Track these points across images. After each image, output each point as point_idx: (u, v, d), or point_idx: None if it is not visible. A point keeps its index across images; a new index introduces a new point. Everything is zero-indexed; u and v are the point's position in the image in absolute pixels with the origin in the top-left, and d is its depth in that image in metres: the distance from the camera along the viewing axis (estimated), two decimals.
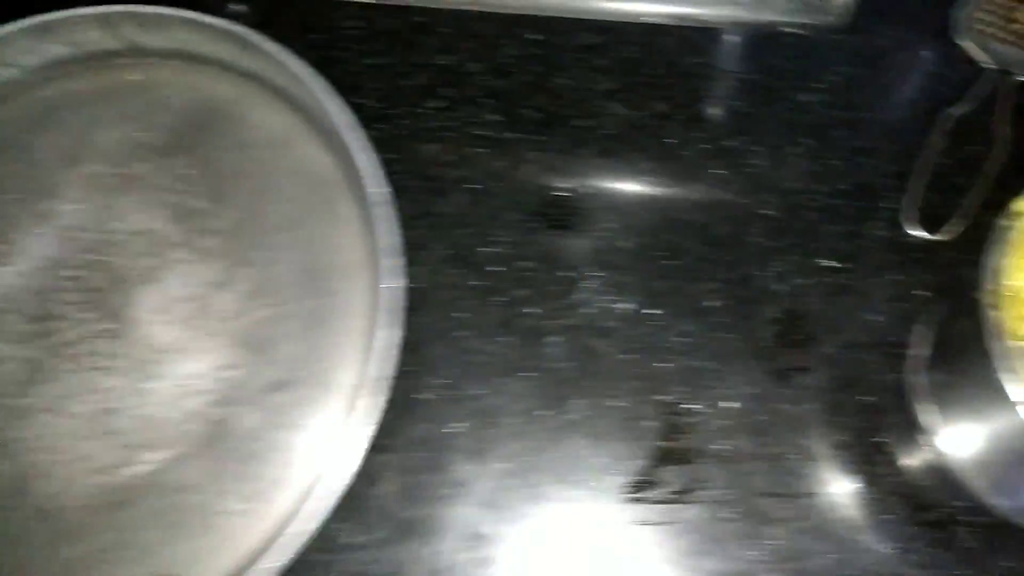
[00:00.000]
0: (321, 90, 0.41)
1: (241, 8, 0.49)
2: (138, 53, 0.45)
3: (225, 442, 0.37)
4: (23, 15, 0.44)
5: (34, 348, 0.40)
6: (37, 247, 0.42)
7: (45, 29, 0.44)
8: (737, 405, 0.41)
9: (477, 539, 0.38)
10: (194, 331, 0.40)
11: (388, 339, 0.36)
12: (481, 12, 0.51)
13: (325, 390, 0.38)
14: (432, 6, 0.51)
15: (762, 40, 0.52)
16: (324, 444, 0.37)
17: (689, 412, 0.41)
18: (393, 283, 0.37)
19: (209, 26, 0.42)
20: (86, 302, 0.41)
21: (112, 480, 0.37)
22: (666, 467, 0.40)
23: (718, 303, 0.43)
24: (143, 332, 0.40)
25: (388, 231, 0.38)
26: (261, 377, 0.38)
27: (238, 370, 0.39)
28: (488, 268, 0.44)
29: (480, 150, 0.47)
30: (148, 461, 0.37)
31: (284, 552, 0.33)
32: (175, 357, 0.39)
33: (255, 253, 0.41)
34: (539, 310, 0.43)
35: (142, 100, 0.45)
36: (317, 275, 0.40)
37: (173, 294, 0.40)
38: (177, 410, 0.38)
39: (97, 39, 0.45)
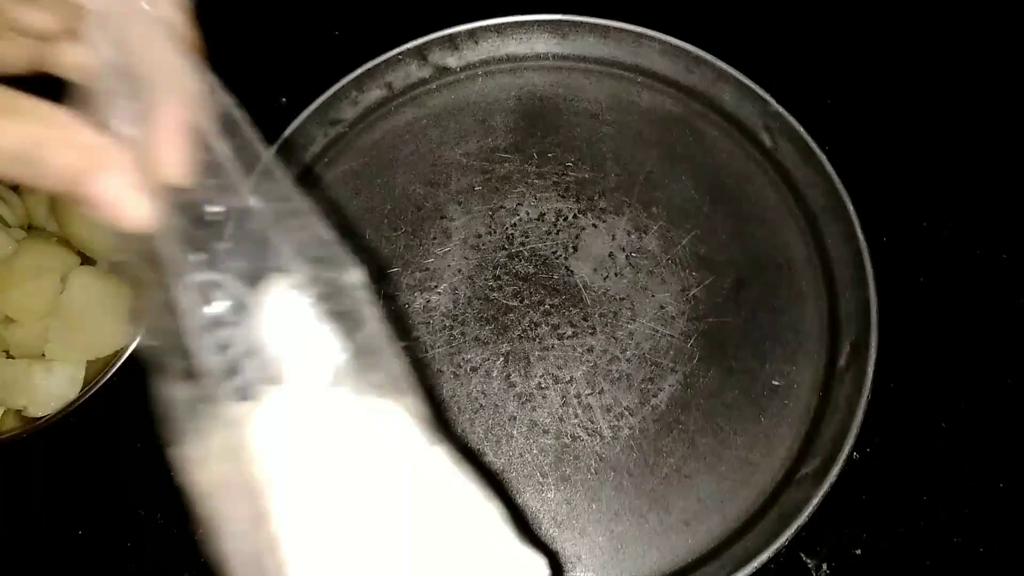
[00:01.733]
0: (664, 42, 0.46)
1: None
2: (445, 74, 0.49)
3: (724, 343, 0.42)
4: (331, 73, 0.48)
5: (506, 343, 0.43)
6: (451, 263, 0.45)
7: (369, 76, 0.47)
8: None
9: None
10: (641, 272, 0.44)
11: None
12: None
13: (782, 271, 0.43)
14: None
15: None
16: (815, 318, 0.43)
17: None
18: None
19: (535, 24, 0.47)
20: (525, 289, 0.44)
21: (647, 414, 0.41)
22: None
23: None
24: (596, 290, 0.44)
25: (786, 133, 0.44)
26: (722, 283, 0.44)
27: (699, 287, 0.43)
28: None
29: None
30: (667, 385, 0.42)
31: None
32: (637, 298, 0.44)
33: (653, 194, 0.46)
34: None
35: (467, 113, 0.48)
36: (720, 189, 0.45)
37: (602, 252, 0.45)
38: (664, 338, 0.43)
39: (410, 73, 0.48)
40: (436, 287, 0.45)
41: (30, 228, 0.47)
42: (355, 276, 0.23)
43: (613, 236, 0.45)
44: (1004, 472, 0.41)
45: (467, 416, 0.42)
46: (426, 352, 0.43)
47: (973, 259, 0.46)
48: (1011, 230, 0.47)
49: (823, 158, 0.43)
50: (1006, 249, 0.46)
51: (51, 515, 0.43)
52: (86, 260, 0.46)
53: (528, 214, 0.46)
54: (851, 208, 0.43)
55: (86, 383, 0.43)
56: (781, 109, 0.45)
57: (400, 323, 0.44)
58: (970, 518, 0.41)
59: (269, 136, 0.47)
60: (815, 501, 0.37)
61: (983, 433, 0.42)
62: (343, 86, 0.47)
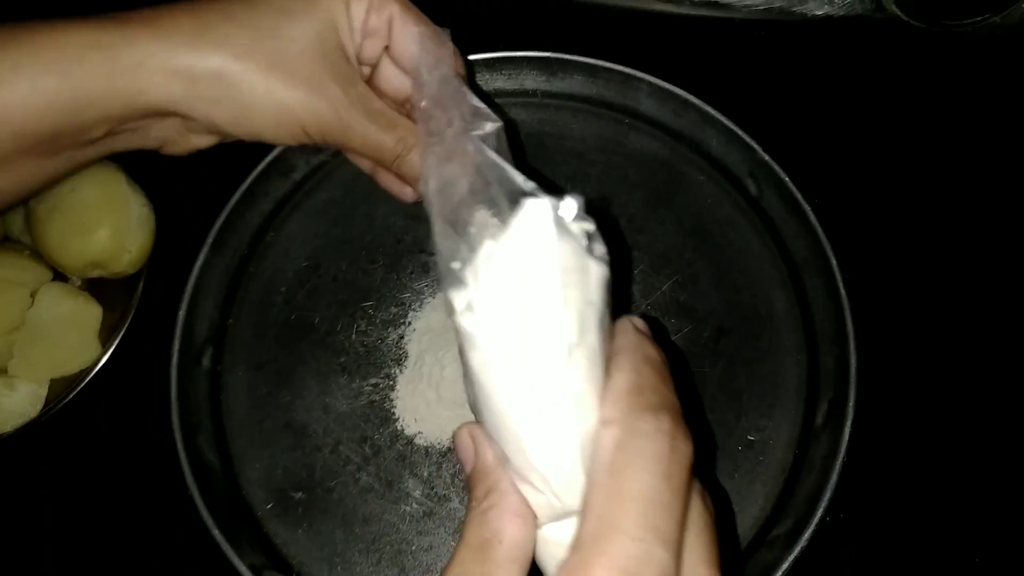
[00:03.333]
0: (653, 84, 0.46)
1: None
2: None
3: (701, 394, 0.41)
4: None
5: None
6: (427, 299, 0.45)
7: None
8: None
9: None
10: None
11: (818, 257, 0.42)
12: None
13: (763, 322, 0.43)
14: None
15: None
16: (794, 372, 0.42)
17: None
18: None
19: (524, 60, 0.46)
20: None
21: None
22: None
23: None
24: None
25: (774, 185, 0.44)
26: (701, 332, 0.43)
27: (678, 334, 0.43)
28: None
29: None
30: None
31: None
32: None
33: (635, 237, 0.45)
34: None
35: None
36: (703, 235, 0.45)
37: None
38: None
39: None
40: (410, 323, 0.44)
41: (5, 240, 0.47)
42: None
43: None
44: (980, 549, 0.40)
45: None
46: (395, 389, 0.43)
47: (960, 327, 0.45)
48: (1000, 297, 0.46)
49: (807, 209, 0.43)
50: (994, 317, 0.45)
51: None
52: (58, 276, 0.45)
53: None
54: (834, 262, 0.42)
55: (48, 402, 0.42)
56: (767, 157, 0.44)
57: (372, 357, 0.43)
58: None
59: (252, 161, 0.46)
60: (785, 565, 0.36)
61: (958, 508, 0.41)
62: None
